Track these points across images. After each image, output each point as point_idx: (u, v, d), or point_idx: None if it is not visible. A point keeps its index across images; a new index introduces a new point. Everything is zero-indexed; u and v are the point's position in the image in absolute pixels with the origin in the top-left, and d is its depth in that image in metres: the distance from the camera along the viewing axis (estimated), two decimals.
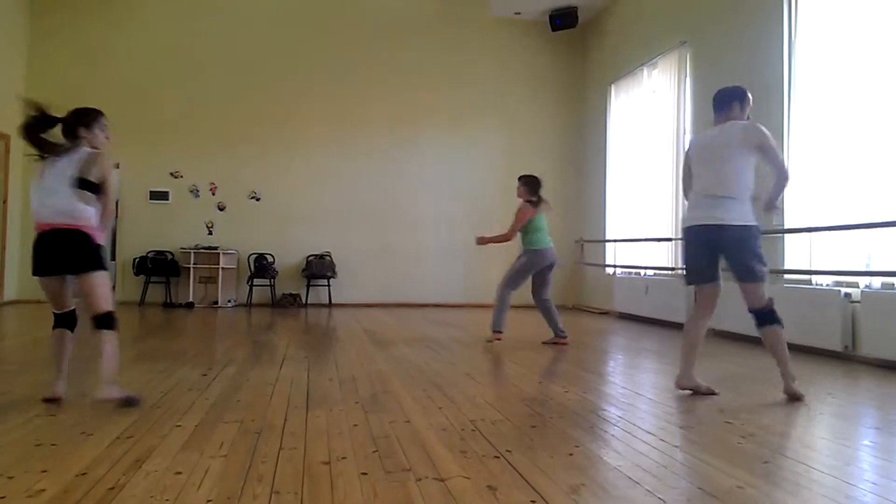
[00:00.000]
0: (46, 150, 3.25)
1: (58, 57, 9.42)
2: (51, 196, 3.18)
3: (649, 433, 2.85)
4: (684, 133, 7.69)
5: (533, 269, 5.76)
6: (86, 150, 3.29)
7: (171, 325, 6.93)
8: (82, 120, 3.35)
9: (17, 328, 6.57)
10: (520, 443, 2.62)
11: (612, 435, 2.82)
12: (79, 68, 9.41)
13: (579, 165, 10.49)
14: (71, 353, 3.32)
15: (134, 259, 9.37)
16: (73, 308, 3.33)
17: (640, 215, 8.61)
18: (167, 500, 1.95)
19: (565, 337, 5.76)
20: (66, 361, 3.30)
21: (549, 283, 5.82)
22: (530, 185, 5.87)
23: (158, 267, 9.31)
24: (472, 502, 1.98)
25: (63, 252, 3.17)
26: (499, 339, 5.67)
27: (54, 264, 3.21)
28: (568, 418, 3.07)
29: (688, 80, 7.71)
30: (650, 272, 8.29)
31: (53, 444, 2.50)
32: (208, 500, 1.95)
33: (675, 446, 2.65)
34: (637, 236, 8.63)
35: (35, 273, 3.23)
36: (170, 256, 9.42)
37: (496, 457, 2.43)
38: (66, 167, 3.20)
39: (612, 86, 9.54)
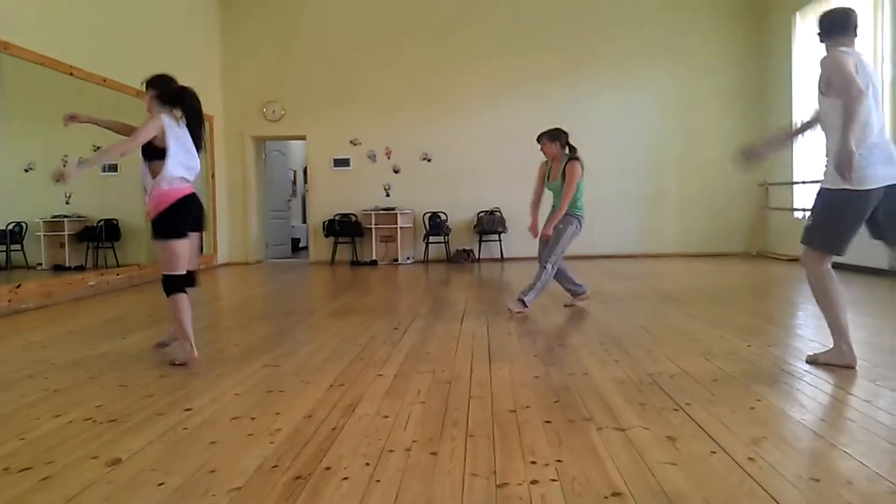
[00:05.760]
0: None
1: (248, 46, 10.32)
2: (194, 160, 3.54)
3: (839, 388, 2.77)
4: (883, 61, 6.92)
5: (576, 236, 5.10)
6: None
7: (359, 282, 7.53)
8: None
9: (231, 288, 7.48)
10: (699, 396, 2.67)
11: (798, 389, 2.77)
12: (267, 56, 10.28)
13: (761, 102, 9.75)
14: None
15: (323, 222, 10.20)
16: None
17: None
18: (379, 439, 2.26)
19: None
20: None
21: None
22: (561, 138, 5.06)
23: (345, 228, 10.08)
24: (652, 451, 2.09)
25: (201, 213, 3.64)
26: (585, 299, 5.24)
27: (196, 224, 3.61)
28: (751, 373, 3.05)
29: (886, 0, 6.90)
30: None
31: (281, 391, 2.93)
32: (414, 441, 2.24)
33: (867, 401, 2.57)
34: None
35: (182, 233, 3.44)
36: (354, 218, 10.15)
37: (675, 409, 2.51)
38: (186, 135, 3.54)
39: (798, 13, 8.74)
